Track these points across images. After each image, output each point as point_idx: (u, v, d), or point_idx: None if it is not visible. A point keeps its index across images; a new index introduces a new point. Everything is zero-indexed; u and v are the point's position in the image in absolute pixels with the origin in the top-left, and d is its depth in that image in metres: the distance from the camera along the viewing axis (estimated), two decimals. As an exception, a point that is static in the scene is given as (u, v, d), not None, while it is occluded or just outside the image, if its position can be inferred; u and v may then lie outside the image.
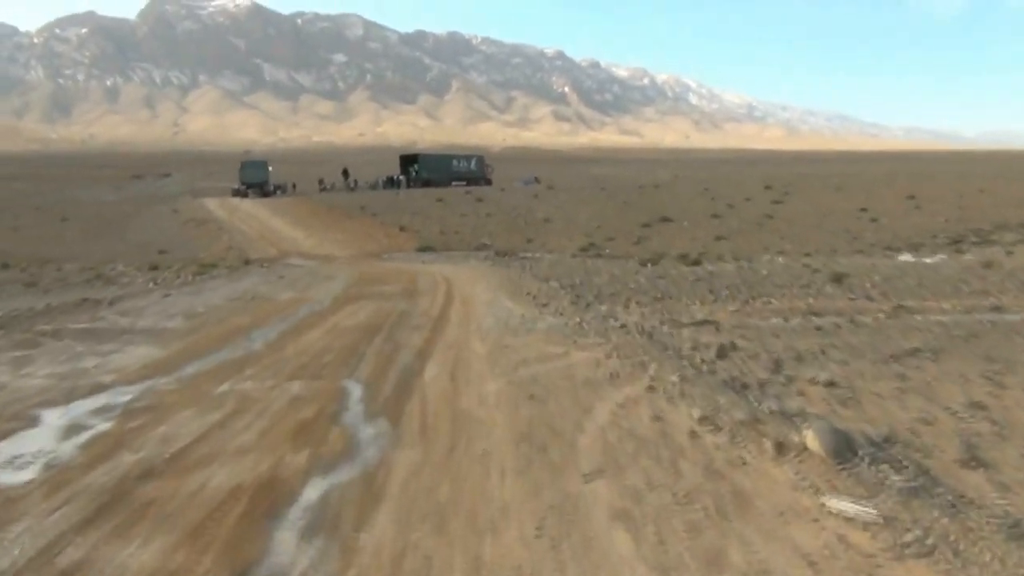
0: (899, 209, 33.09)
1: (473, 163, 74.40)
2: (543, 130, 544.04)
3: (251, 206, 41.16)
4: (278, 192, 59.83)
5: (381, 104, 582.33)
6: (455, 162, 73.14)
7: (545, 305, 11.94)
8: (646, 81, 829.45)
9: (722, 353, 8.20)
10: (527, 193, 47.67)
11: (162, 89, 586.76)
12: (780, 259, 21.51)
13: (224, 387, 7.54)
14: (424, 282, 15.70)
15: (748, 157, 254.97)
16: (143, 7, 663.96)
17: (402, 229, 30.98)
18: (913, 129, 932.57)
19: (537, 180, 75.00)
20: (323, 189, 63.20)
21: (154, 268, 23.39)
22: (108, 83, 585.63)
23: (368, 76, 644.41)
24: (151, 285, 16.52)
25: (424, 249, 26.85)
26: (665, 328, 9.82)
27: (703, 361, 7.94)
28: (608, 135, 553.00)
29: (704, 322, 10.18)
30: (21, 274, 23.17)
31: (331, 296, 13.86)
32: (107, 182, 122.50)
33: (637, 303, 12.00)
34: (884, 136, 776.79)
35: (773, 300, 12.08)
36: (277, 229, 33.37)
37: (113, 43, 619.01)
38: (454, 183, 65.88)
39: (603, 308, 11.48)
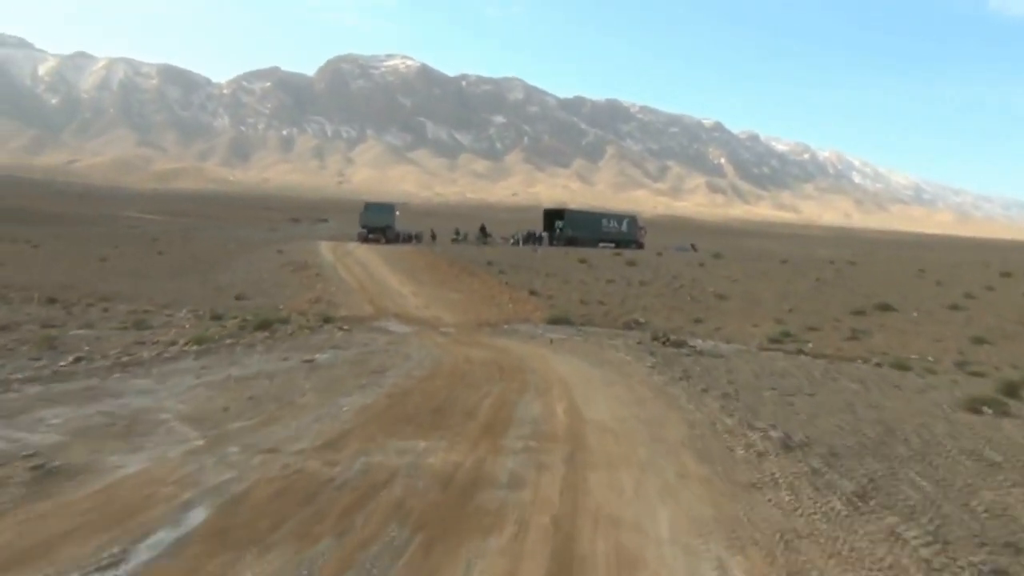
0: None
1: (624, 224, 67.64)
2: (696, 200, 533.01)
3: (365, 252, 36.20)
4: (414, 240, 55.22)
5: (535, 166, 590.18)
6: (604, 221, 66.59)
7: None
8: (806, 156, 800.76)
9: None
10: (690, 260, 40.39)
11: (332, 141, 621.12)
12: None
13: None
14: (527, 417, 8.22)
15: (920, 240, 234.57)
16: (322, 64, 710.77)
17: (532, 293, 24.62)
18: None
19: (694, 247, 67.38)
20: (455, 240, 58.33)
21: (217, 317, 18.51)
22: (284, 133, 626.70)
23: (525, 138, 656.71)
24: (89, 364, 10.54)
25: (556, 321, 20.35)
26: None
27: None
28: (763, 209, 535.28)
29: None
30: (65, 314, 18.57)
31: (256, 476, 5.75)
32: (267, 223, 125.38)
33: None
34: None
35: None
36: (384, 281, 27.84)
37: (292, 96, 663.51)
38: (601, 244, 59.36)
39: None
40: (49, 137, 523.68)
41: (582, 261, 34.82)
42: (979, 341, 18.15)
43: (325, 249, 36.99)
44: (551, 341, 16.46)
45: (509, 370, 11.01)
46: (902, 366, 14.13)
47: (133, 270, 28.15)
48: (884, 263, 44.27)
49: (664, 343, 17.15)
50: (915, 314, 21.98)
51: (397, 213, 56.42)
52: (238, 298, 22.75)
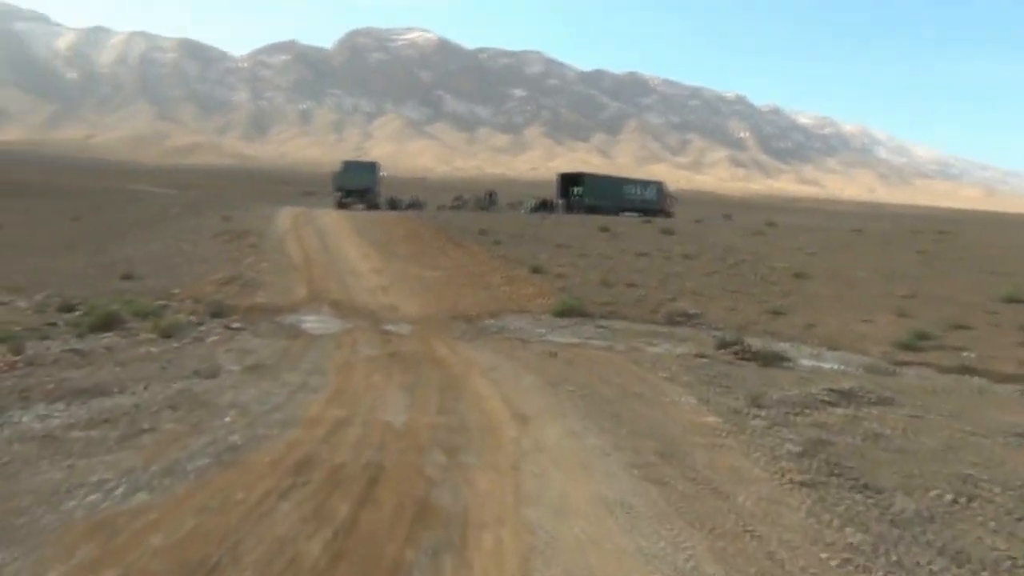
0: None
1: (650, 191, 60.10)
2: (717, 174, 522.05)
3: (335, 220, 29.26)
4: (412, 209, 47.81)
5: (555, 140, 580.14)
6: (628, 187, 59.01)
7: None
8: (830, 130, 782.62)
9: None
10: (740, 229, 33.15)
11: (350, 115, 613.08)
12: None
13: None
14: None
15: (955, 216, 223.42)
16: (340, 37, 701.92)
17: (535, 271, 17.82)
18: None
19: (728, 219, 60.05)
20: (454, 207, 51.13)
21: (67, 308, 12.66)
22: (302, 107, 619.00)
23: (544, 112, 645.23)
24: None
25: (567, 313, 13.70)
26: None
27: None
28: (785, 183, 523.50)
29: None
30: None
31: None
32: (276, 196, 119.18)
33: None
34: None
35: None
36: (341, 254, 21.10)
37: (311, 70, 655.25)
38: (624, 213, 52.02)
39: None
40: (67, 112, 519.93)
41: (603, 229, 27.76)
42: None
43: (286, 215, 30.06)
44: (554, 355, 9.67)
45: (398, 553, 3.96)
46: None
47: (17, 242, 21.67)
48: (980, 233, 36.66)
49: (740, 354, 10.39)
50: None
51: (383, 174, 48.56)
52: (125, 277, 16.27)
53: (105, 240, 22.20)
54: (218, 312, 12.60)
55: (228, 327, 11.52)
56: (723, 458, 5.08)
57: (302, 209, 35.99)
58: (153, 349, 8.95)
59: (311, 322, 12.46)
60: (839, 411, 6.31)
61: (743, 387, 7.31)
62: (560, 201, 52.24)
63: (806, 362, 10.72)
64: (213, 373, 7.61)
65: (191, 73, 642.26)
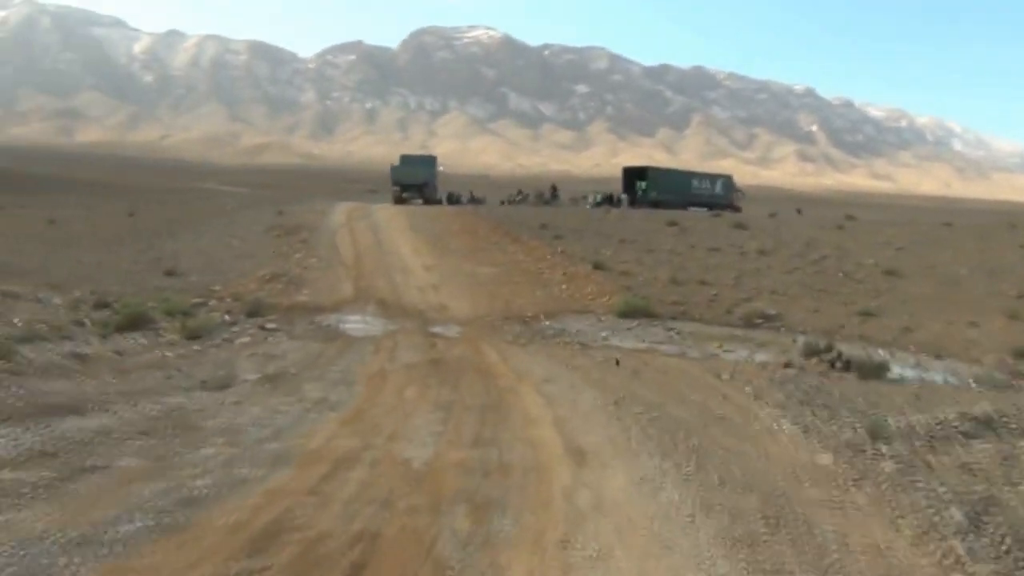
0: None
1: (718, 185, 57.91)
2: (785, 169, 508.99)
3: (391, 215, 28.44)
4: (472, 204, 46.95)
5: (619, 136, 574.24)
6: (695, 181, 56.93)
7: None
8: (903, 123, 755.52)
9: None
10: (817, 222, 31.31)
11: (415, 113, 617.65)
12: None
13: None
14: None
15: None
16: (405, 37, 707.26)
17: (597, 267, 16.59)
18: None
19: (799, 213, 57.52)
20: (514, 201, 50.04)
21: (102, 305, 11.83)
22: (368, 106, 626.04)
23: (608, 108, 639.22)
24: None
25: (632, 313, 12.55)
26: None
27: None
28: (856, 178, 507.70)
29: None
30: None
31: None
32: (340, 194, 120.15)
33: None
34: None
35: None
36: (394, 250, 20.24)
37: (376, 69, 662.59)
38: (691, 208, 50.11)
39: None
40: (144, 114, 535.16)
41: (671, 224, 26.32)
42: None
43: (341, 210, 29.43)
44: (618, 363, 8.47)
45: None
46: None
47: (70, 237, 21.44)
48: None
49: (833, 363, 9.05)
50: None
51: (441, 168, 47.59)
52: (168, 274, 15.64)
53: (156, 236, 21.82)
54: (255, 311, 11.82)
55: (263, 328, 10.74)
56: (857, 527, 3.70)
57: (359, 204, 35.39)
58: (169, 353, 8.07)
59: (352, 323, 11.59)
60: (984, 446, 4.96)
61: (849, 409, 6.00)
62: (624, 196, 50.63)
63: (910, 373, 9.31)
64: (223, 384, 6.65)
65: (261, 74, 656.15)
